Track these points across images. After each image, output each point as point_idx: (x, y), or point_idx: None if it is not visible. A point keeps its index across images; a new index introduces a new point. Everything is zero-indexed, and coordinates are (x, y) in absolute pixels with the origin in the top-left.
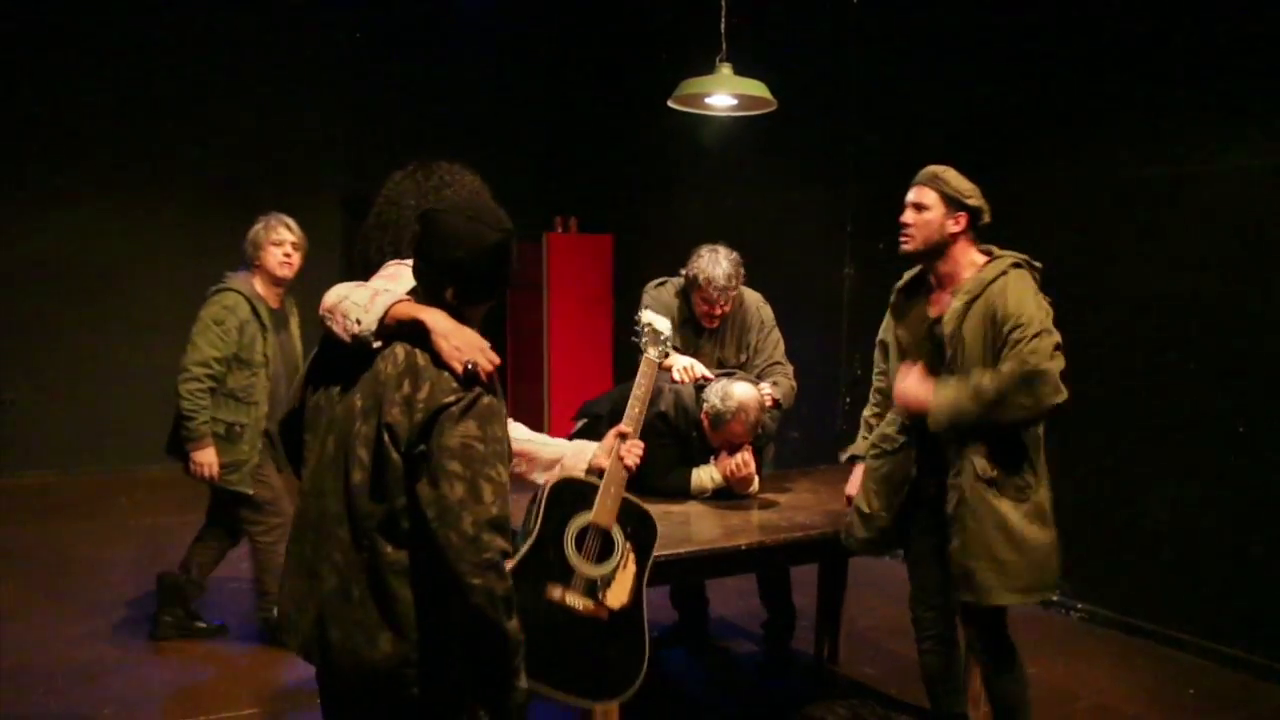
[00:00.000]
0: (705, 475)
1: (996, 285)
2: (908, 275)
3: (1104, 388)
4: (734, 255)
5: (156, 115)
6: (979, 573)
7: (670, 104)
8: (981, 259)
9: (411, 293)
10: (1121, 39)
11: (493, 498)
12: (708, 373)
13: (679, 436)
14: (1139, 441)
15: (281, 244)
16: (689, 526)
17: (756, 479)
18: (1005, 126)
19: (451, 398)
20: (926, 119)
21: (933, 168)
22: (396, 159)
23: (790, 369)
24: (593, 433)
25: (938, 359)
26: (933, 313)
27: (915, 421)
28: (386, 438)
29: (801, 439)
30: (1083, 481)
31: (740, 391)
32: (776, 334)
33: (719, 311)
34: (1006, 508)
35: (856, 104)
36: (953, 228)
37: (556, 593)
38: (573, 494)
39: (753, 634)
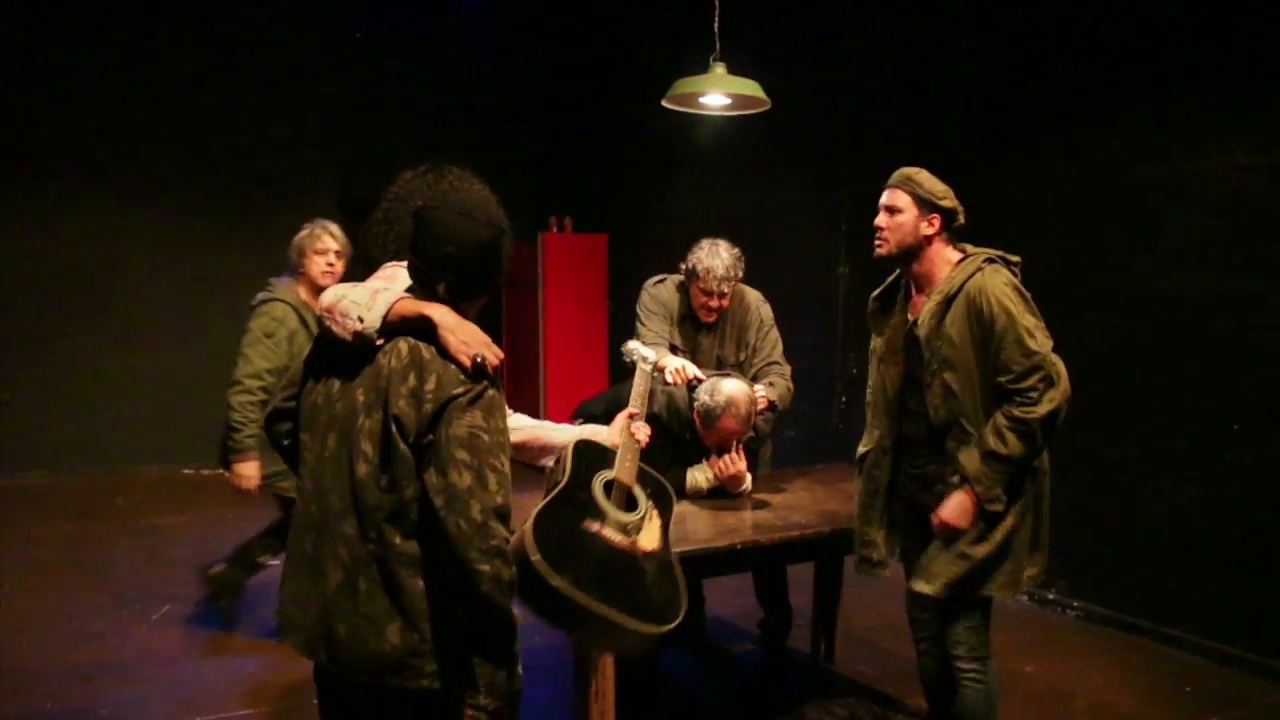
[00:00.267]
0: (699, 475)
1: (973, 283)
2: (886, 282)
3: (1101, 386)
4: (734, 249)
5: (155, 115)
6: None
7: (665, 104)
8: (957, 256)
9: (409, 291)
10: (1120, 39)
11: (498, 487)
12: (700, 374)
13: (672, 438)
14: (1136, 440)
15: (325, 253)
16: (685, 526)
17: (749, 478)
18: (1002, 126)
19: (460, 389)
20: (922, 118)
21: (905, 170)
22: (394, 159)
23: (788, 369)
24: None
25: (917, 364)
26: (912, 318)
27: (890, 436)
28: (395, 429)
29: (797, 438)
30: (1079, 480)
31: (729, 387)
32: (775, 334)
33: (716, 304)
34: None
35: (851, 103)
36: (927, 229)
37: (594, 526)
38: (594, 453)
39: (749, 633)
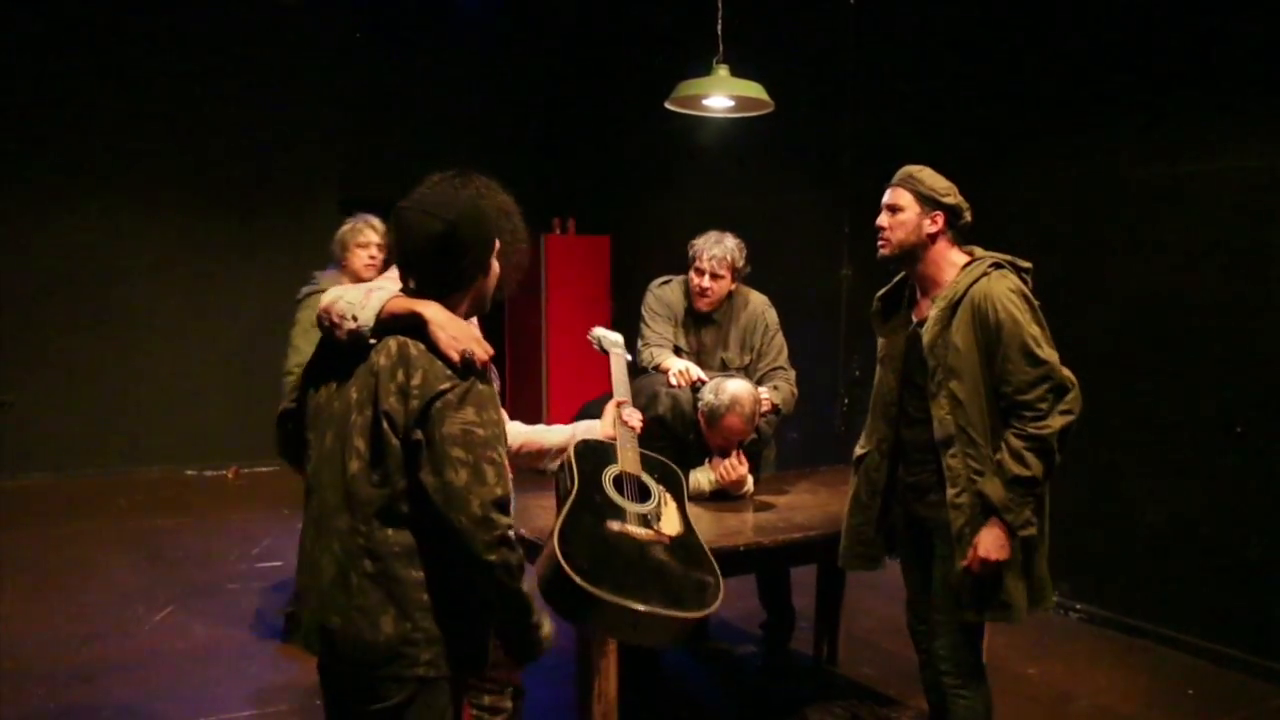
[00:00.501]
0: (702, 477)
1: (979, 288)
2: (892, 283)
3: (1102, 387)
4: (739, 241)
5: (155, 116)
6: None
7: (668, 105)
8: (963, 259)
9: (405, 290)
10: (1120, 39)
11: (495, 478)
12: (704, 375)
13: (676, 440)
14: (1137, 441)
15: (367, 246)
16: None
17: (750, 480)
18: (1004, 127)
19: (446, 384)
20: (924, 119)
21: (907, 168)
22: (394, 160)
23: (792, 374)
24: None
25: (918, 370)
26: (916, 320)
27: (887, 438)
28: (385, 424)
29: (800, 440)
30: (1081, 481)
31: (734, 386)
32: (780, 339)
33: (708, 284)
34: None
35: (854, 104)
36: (930, 228)
37: (616, 525)
38: (595, 452)
39: (752, 635)
